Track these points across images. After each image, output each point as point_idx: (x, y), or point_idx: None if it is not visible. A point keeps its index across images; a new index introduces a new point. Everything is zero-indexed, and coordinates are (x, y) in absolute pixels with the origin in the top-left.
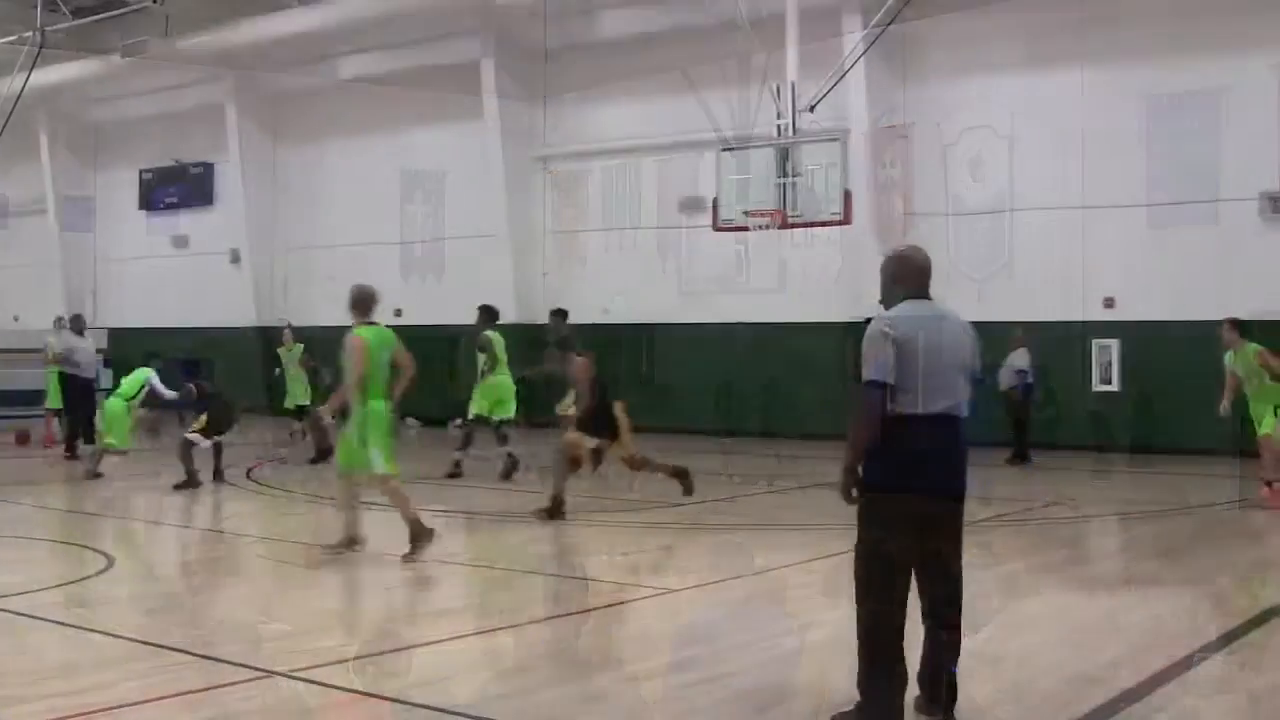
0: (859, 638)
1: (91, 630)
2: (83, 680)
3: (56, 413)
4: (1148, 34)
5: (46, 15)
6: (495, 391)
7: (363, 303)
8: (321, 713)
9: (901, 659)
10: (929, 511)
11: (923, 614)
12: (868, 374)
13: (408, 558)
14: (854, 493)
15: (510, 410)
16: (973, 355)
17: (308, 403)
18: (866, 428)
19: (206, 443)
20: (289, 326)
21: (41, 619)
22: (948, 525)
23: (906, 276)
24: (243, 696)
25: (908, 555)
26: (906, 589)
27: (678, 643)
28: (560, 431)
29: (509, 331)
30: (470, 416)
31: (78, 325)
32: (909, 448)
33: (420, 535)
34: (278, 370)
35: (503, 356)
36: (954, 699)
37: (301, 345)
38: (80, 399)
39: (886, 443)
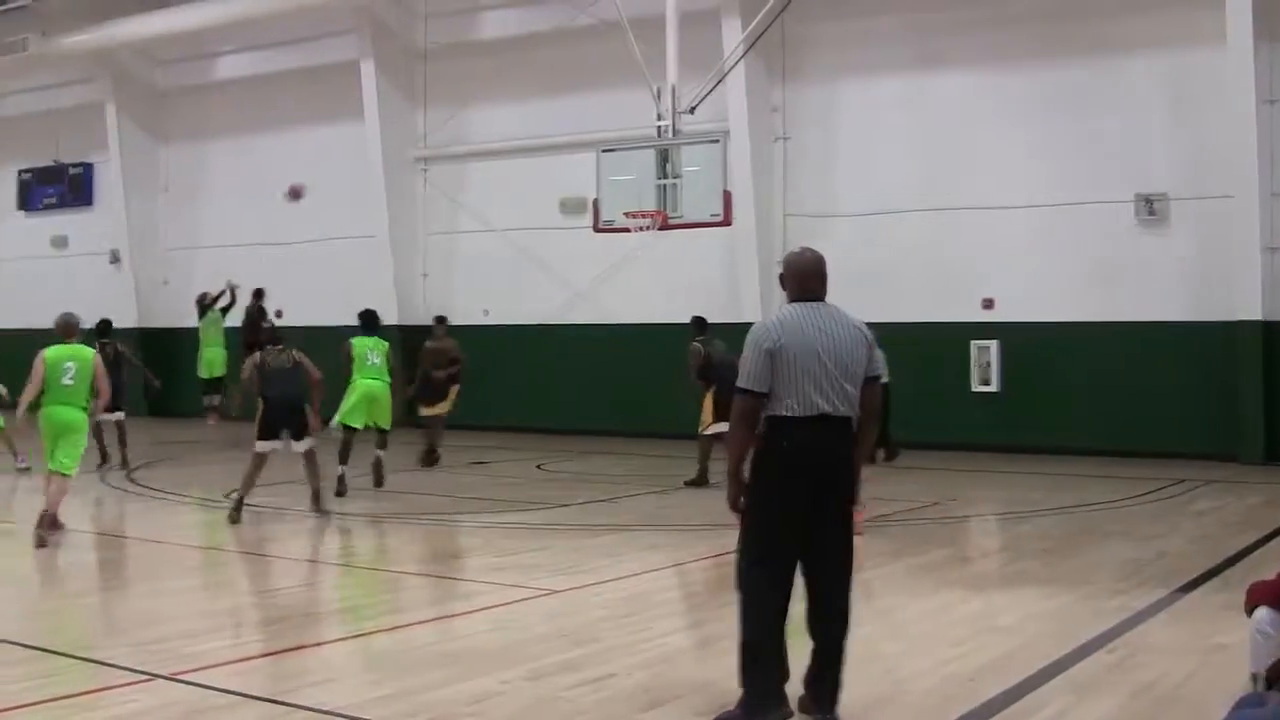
0: (740, 626)
1: None
2: None
3: None
4: (1028, 36)
5: None
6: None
7: (64, 328)
8: (204, 715)
9: (782, 648)
10: (811, 509)
11: (807, 613)
12: (741, 380)
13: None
14: (740, 500)
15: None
16: (868, 356)
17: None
18: (741, 433)
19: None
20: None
21: None
22: (830, 522)
23: (793, 278)
24: (125, 699)
25: (790, 545)
26: (789, 580)
27: (562, 644)
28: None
29: (389, 333)
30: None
31: None
32: (788, 449)
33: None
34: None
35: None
36: (837, 698)
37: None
38: None
39: (768, 444)
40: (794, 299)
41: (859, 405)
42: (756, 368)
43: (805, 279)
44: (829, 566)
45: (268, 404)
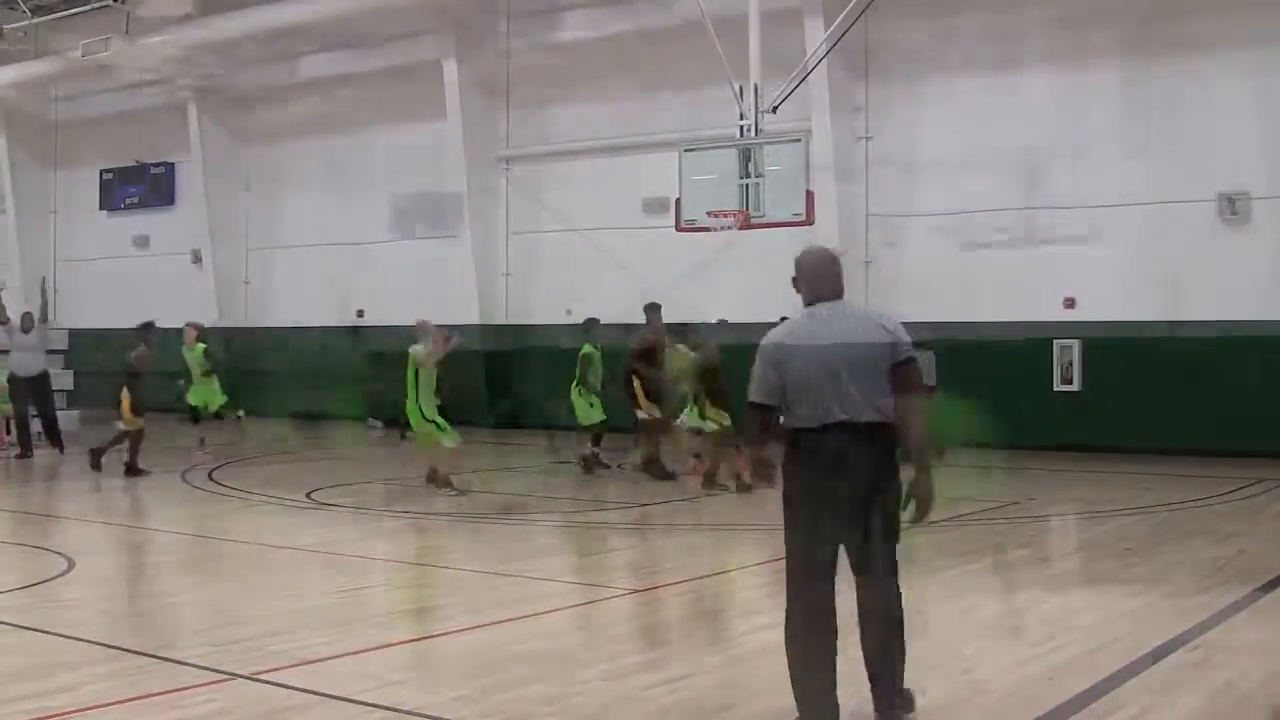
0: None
1: (52, 634)
2: (43, 684)
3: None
4: (1110, 35)
5: (5, 14)
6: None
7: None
8: (282, 715)
9: (830, 671)
10: (844, 519)
11: (858, 618)
12: (750, 394)
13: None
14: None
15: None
16: (890, 347)
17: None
18: (753, 448)
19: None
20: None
21: (2, 623)
22: (868, 530)
23: (805, 280)
24: (204, 699)
25: (825, 555)
26: (829, 592)
27: (640, 643)
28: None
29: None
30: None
31: (25, 323)
32: (809, 462)
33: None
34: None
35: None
36: (898, 701)
37: (204, 346)
38: (18, 399)
39: (789, 459)
40: (808, 302)
41: (897, 389)
42: (764, 380)
43: (816, 280)
44: (871, 574)
45: None
